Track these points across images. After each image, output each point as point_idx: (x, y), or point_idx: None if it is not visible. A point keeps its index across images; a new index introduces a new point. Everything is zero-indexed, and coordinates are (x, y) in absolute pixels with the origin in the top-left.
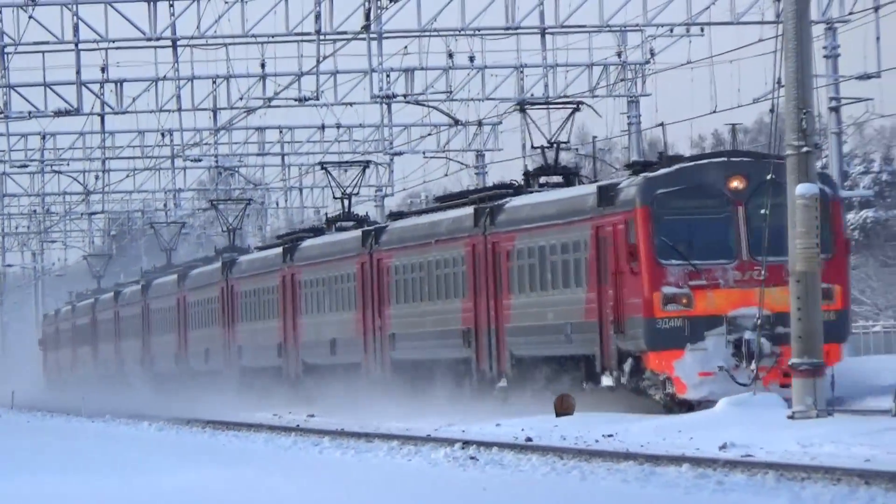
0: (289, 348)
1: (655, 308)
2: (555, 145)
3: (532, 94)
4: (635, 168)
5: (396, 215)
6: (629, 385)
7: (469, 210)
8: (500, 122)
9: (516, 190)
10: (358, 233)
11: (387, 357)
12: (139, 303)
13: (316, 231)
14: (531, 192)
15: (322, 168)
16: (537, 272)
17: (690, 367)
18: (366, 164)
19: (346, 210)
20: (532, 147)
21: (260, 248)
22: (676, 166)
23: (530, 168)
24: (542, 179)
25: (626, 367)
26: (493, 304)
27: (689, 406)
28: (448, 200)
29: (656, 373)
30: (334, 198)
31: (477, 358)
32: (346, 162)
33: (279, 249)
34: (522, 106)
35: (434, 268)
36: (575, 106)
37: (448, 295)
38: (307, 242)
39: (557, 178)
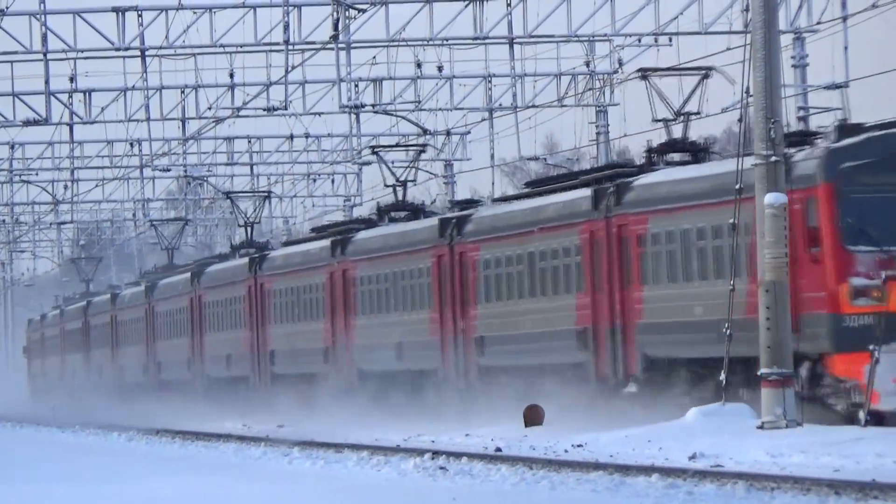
0: (338, 353)
1: (842, 302)
2: (684, 116)
3: (500, 104)
4: (793, 139)
5: (467, 203)
6: (804, 393)
7: (585, 192)
8: (469, 132)
9: (640, 168)
10: (434, 221)
11: (472, 363)
12: (142, 305)
13: (367, 223)
14: (662, 169)
15: (374, 152)
16: (679, 260)
17: (885, 372)
18: (422, 148)
19: (402, 199)
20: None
21: (290, 243)
22: (864, 136)
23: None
24: (670, 156)
25: (802, 371)
26: (619, 298)
27: (879, 418)
28: (547, 184)
29: (841, 379)
30: (386, 185)
31: (596, 361)
32: (403, 145)
33: (326, 242)
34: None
35: (537, 260)
36: (706, 72)
37: (557, 290)
38: (363, 234)
39: (679, 156)
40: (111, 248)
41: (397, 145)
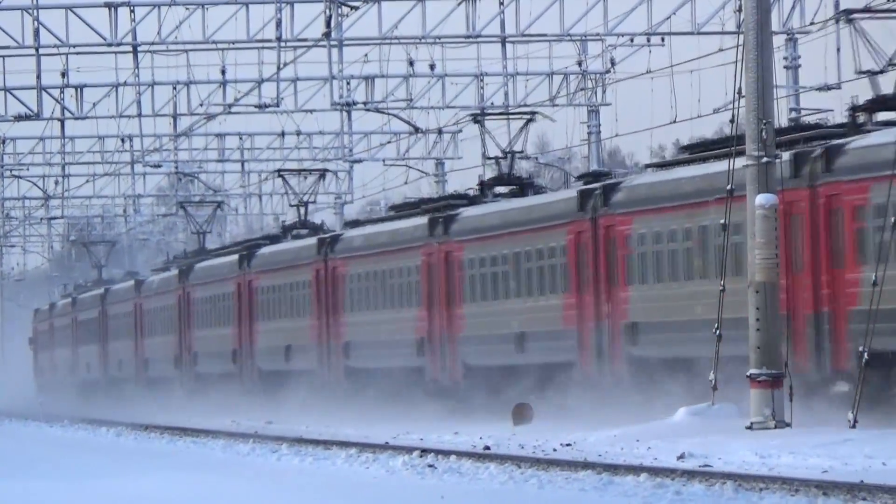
0: (436, 345)
1: None
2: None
3: (492, 103)
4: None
5: (593, 176)
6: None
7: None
8: (461, 131)
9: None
10: (572, 193)
11: (620, 352)
12: (175, 291)
13: (466, 198)
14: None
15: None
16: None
17: None
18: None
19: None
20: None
21: (359, 224)
22: None
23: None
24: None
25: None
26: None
27: None
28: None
29: None
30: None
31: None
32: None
33: (420, 221)
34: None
35: (711, 236)
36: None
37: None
38: (472, 211)
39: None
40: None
41: (501, 114)
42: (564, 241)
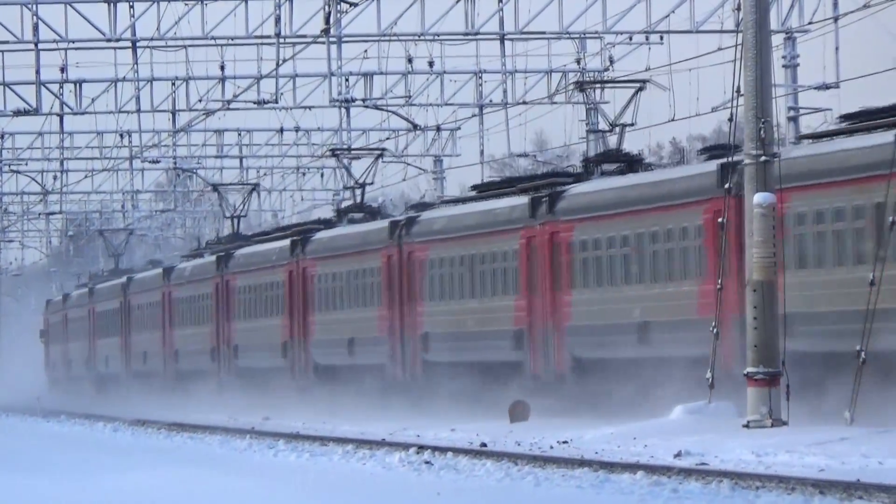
0: (538, 336)
1: None
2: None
3: (490, 100)
4: None
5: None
6: None
7: None
8: (459, 128)
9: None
10: (710, 167)
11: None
12: (211, 279)
13: (570, 175)
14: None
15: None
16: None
17: None
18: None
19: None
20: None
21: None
22: None
23: None
24: None
25: None
26: None
27: None
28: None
29: None
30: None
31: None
32: (362, 148)
33: (519, 201)
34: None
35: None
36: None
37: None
38: (581, 188)
39: None
40: (100, 239)
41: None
42: (700, 221)
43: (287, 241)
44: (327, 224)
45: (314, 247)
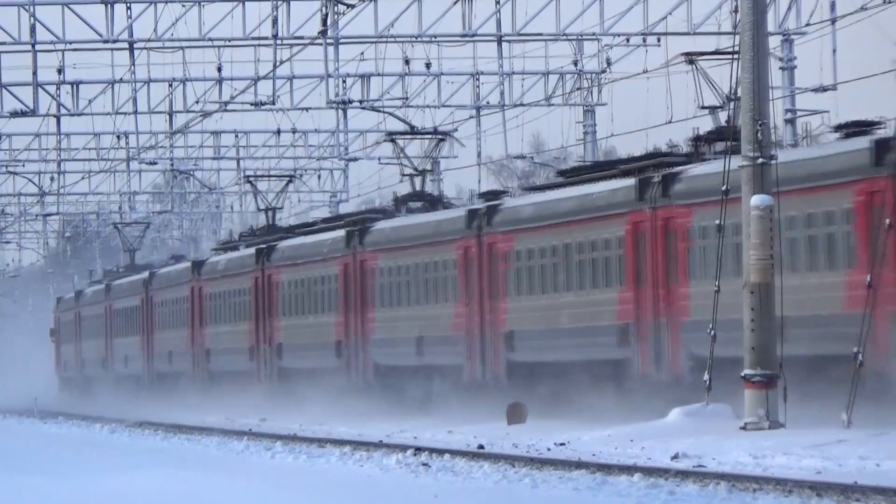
0: (646, 332)
1: None
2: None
3: (488, 102)
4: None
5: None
6: None
7: None
8: (456, 129)
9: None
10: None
11: None
12: (250, 273)
13: (678, 156)
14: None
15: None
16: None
17: None
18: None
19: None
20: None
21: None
22: None
23: None
24: None
25: None
26: None
27: None
28: None
29: None
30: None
31: None
32: (420, 132)
33: (623, 183)
34: None
35: None
36: None
37: None
38: (697, 169)
39: None
40: (97, 240)
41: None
42: (851, 204)
43: (341, 233)
44: (385, 214)
45: (375, 238)
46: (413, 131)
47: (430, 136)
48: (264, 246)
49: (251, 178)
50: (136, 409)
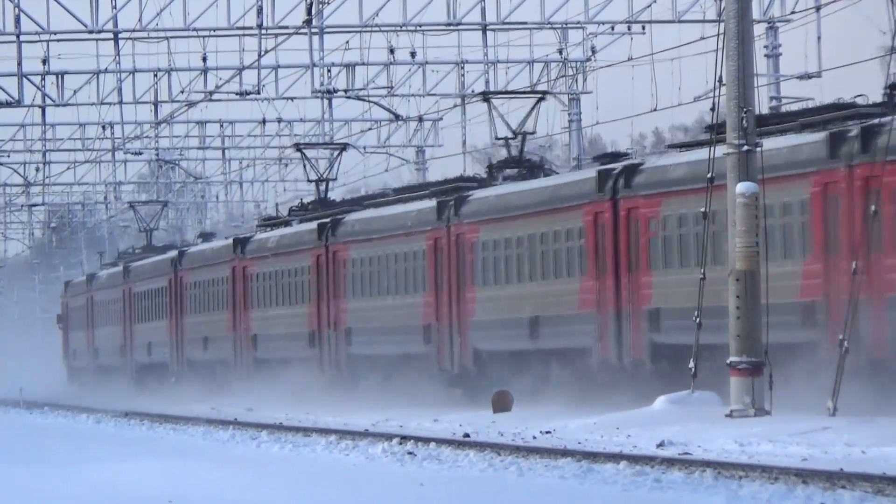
0: (836, 306)
1: None
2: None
3: (473, 91)
4: None
5: None
6: None
7: None
8: (441, 118)
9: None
10: None
11: None
12: (310, 250)
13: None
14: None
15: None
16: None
17: None
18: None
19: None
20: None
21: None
22: None
23: None
24: None
25: None
26: None
27: None
28: None
29: None
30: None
31: None
32: (519, 92)
33: (819, 136)
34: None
35: None
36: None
37: None
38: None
39: None
40: (83, 230)
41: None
42: None
43: (429, 203)
44: (480, 182)
45: (474, 208)
46: (511, 91)
47: (528, 95)
48: (328, 220)
49: (301, 147)
50: (164, 400)
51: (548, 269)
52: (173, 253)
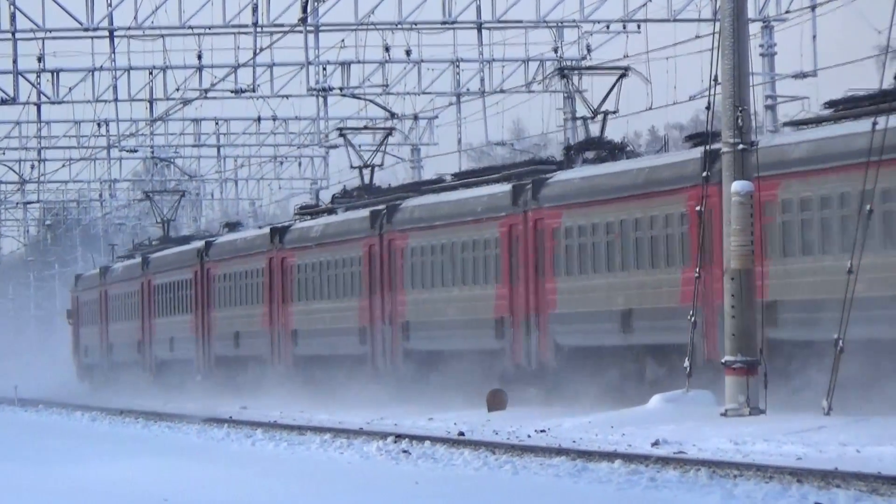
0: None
1: None
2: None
3: (468, 89)
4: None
5: None
6: None
7: None
8: (436, 117)
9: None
10: None
11: None
12: (361, 239)
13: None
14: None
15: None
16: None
17: None
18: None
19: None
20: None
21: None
22: None
23: None
24: None
25: None
26: None
27: None
28: None
29: None
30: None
31: None
32: (595, 67)
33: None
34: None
35: None
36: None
37: None
38: None
39: None
40: (77, 228)
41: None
42: None
43: (503, 187)
44: (558, 165)
45: (555, 191)
46: (592, 67)
47: (610, 70)
48: (382, 207)
49: (345, 132)
50: (191, 400)
51: (644, 258)
52: (199, 243)
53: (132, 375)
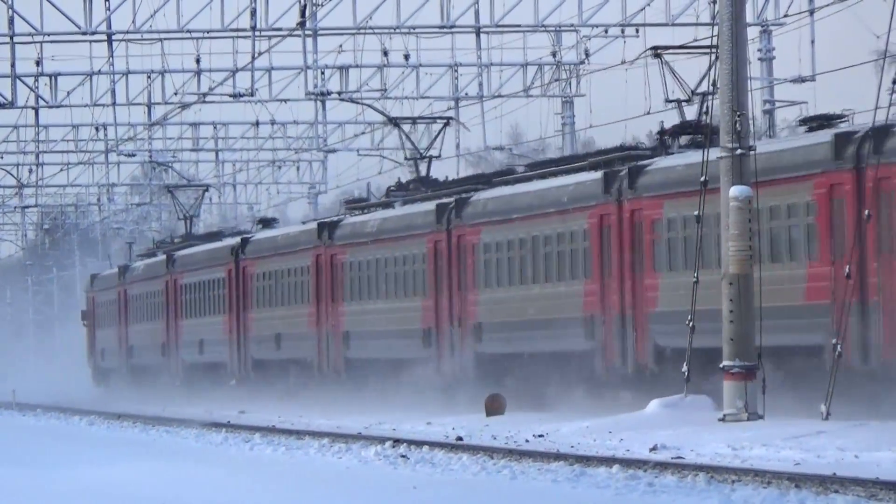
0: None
1: None
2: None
3: (466, 94)
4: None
5: None
6: None
7: None
8: (435, 121)
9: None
10: None
11: None
12: (427, 235)
13: None
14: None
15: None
16: None
17: None
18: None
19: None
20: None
21: None
22: None
23: None
24: None
25: None
26: None
27: None
28: None
29: None
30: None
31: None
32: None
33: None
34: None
35: None
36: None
37: None
38: None
39: None
40: (76, 232)
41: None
42: None
43: (592, 175)
44: (653, 151)
45: (656, 179)
46: (683, 46)
47: (701, 50)
48: (449, 200)
49: (397, 121)
50: (226, 406)
51: (765, 251)
52: (233, 240)
53: (156, 379)
